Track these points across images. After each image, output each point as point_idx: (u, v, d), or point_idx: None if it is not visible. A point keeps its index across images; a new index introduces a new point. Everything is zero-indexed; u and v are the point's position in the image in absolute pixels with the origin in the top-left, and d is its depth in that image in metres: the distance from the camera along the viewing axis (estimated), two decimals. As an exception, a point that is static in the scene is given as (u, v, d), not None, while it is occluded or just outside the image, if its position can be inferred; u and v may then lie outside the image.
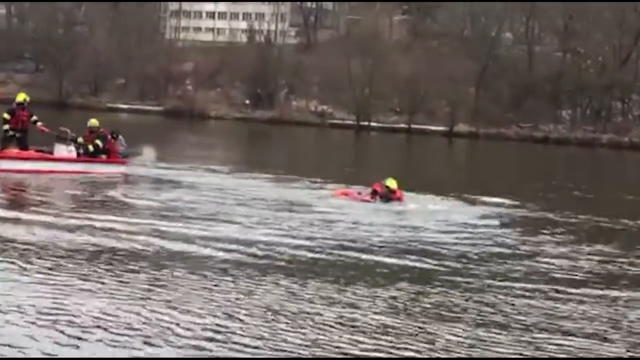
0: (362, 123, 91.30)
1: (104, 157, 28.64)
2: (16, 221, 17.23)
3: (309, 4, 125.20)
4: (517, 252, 17.60)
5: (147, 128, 70.79)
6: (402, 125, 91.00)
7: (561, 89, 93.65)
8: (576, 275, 15.36)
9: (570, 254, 17.55)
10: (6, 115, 27.23)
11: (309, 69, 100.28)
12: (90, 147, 28.38)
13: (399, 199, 23.45)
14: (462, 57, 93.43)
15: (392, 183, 23.46)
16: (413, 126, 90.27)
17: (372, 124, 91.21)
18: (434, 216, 22.29)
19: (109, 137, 29.06)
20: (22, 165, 26.23)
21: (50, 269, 13.04)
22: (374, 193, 23.52)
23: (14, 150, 27.02)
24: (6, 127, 27.01)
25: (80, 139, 28.31)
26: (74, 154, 27.87)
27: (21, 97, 27.86)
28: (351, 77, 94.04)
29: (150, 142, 42.78)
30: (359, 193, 24.35)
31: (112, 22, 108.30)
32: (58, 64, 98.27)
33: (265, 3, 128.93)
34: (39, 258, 13.76)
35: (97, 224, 17.28)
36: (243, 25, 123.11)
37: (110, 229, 16.76)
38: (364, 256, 15.92)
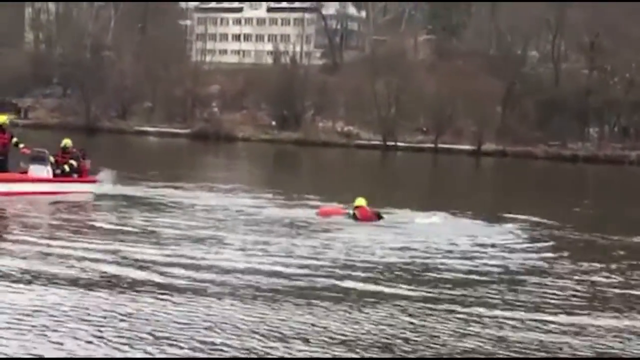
0: (388, 143, 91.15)
1: (75, 176, 28.91)
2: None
3: (333, 25, 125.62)
4: (537, 271, 17.37)
5: (173, 151, 71.24)
6: (429, 145, 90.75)
7: (589, 106, 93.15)
8: (588, 300, 14.85)
9: (591, 275, 17.22)
10: None
11: (334, 90, 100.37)
12: (66, 167, 28.66)
13: (364, 218, 23.42)
14: (488, 76, 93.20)
15: (359, 202, 23.70)
16: (440, 145, 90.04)
17: (399, 143, 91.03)
18: (459, 234, 22.20)
19: (80, 156, 29.50)
20: (4, 188, 25.99)
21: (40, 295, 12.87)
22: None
23: (11, 174, 26.99)
24: None
25: (51, 159, 28.36)
26: (50, 175, 27.97)
27: (1, 119, 27.04)
28: (377, 97, 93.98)
29: (174, 164, 43.00)
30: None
31: (138, 46, 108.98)
32: (86, 89, 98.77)
33: (290, 25, 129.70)
34: (28, 282, 13.65)
35: (123, 252, 17.00)
36: (269, 47, 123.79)
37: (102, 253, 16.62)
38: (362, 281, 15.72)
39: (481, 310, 13.35)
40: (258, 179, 44.08)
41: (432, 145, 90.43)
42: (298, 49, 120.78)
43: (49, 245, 17.08)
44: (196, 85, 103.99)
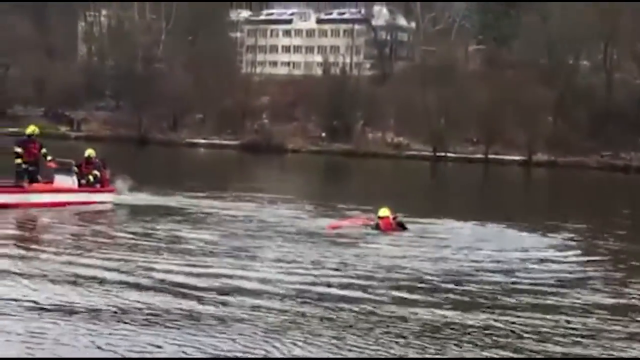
0: (438, 154, 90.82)
1: (97, 186, 29.15)
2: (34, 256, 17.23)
3: (383, 35, 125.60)
4: (584, 282, 17.19)
5: (222, 162, 71.57)
6: (479, 156, 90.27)
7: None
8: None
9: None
10: (19, 149, 26.44)
11: (384, 101, 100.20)
12: (91, 178, 28.92)
13: (386, 229, 23.34)
14: (539, 86, 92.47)
15: (383, 212, 23.66)
16: (490, 156, 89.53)
17: (449, 154, 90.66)
18: (507, 245, 22.11)
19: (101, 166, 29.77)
20: (41, 199, 26.26)
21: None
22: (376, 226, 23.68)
23: (39, 185, 27.13)
24: (19, 161, 26.29)
25: (75, 169, 28.62)
26: (75, 185, 28.22)
27: (30, 129, 27.26)
28: (427, 108, 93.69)
29: (220, 175, 43.09)
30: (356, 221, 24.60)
31: (189, 58, 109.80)
32: (137, 101, 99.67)
33: (339, 36, 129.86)
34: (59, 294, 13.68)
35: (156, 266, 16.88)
36: (318, 58, 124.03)
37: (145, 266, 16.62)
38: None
39: (517, 320, 13.34)
40: (302, 190, 43.94)
41: (482, 156, 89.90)
42: (348, 60, 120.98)
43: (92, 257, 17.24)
44: (246, 96, 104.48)
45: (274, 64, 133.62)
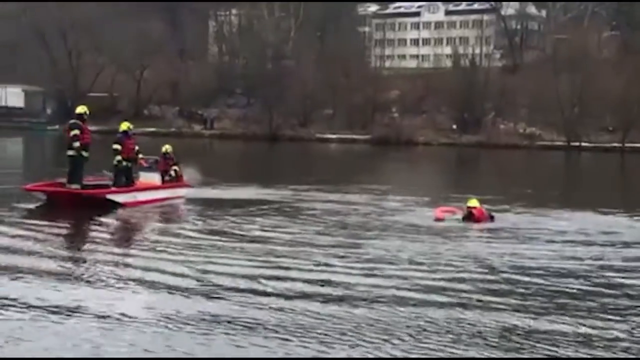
0: (572, 143, 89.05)
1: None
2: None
3: (513, 25, 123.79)
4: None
5: (350, 157, 71.69)
6: (615, 145, 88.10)
7: None
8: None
9: None
10: (117, 146, 25.53)
11: (515, 91, 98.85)
12: (172, 173, 28.89)
13: (478, 220, 22.78)
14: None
15: (473, 203, 23.26)
16: (627, 145, 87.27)
17: (583, 144, 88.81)
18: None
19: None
20: (145, 197, 25.94)
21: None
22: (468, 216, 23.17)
23: (143, 182, 27.03)
24: (119, 158, 25.43)
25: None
26: (160, 182, 27.93)
27: (124, 125, 26.15)
28: (560, 97, 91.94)
29: (345, 169, 42.89)
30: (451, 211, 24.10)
31: (318, 54, 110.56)
32: (268, 98, 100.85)
33: (468, 27, 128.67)
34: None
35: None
36: (448, 50, 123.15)
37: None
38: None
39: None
40: (425, 182, 43.47)
41: (619, 145, 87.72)
42: (477, 51, 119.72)
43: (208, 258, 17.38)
44: (376, 91, 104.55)
45: (403, 57, 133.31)
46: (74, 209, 22.97)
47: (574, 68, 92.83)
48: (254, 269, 15.01)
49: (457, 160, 73.42)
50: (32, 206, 23.59)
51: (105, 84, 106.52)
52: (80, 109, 24.68)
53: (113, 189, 25.21)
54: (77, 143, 24.13)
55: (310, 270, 15.11)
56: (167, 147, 29.38)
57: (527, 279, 14.90)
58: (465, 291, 13.63)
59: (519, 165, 67.44)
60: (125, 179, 25.55)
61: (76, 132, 24.22)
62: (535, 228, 22.25)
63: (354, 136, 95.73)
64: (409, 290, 13.64)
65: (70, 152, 24.30)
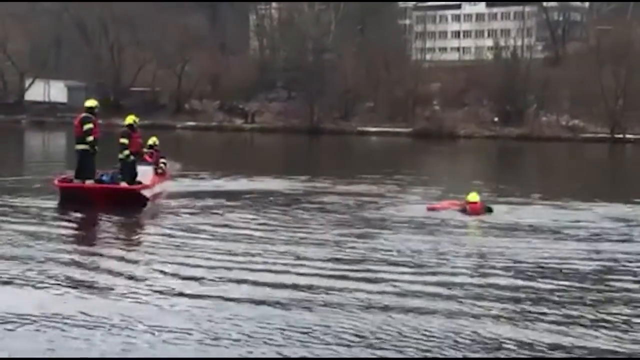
0: (616, 136, 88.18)
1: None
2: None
3: (555, 16, 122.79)
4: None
5: (393, 150, 71.44)
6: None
7: None
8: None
9: None
10: (125, 140, 24.44)
11: (558, 83, 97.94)
12: (162, 166, 28.48)
13: (475, 213, 22.67)
14: None
15: (473, 197, 23.27)
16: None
17: (628, 136, 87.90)
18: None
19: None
20: (153, 192, 25.34)
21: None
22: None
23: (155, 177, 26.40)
24: (127, 152, 24.36)
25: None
26: (153, 176, 26.70)
27: (130, 119, 25.14)
28: (603, 89, 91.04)
29: (388, 162, 42.71)
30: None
31: (359, 47, 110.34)
32: (309, 91, 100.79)
33: (510, 19, 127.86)
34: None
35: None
36: (489, 42, 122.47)
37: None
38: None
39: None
40: (454, 175, 43.01)
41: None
42: (519, 43, 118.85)
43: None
44: (417, 84, 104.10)
45: (444, 49, 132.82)
46: (107, 206, 22.35)
47: (617, 59, 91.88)
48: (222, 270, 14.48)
49: (496, 153, 72.86)
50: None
51: (146, 78, 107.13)
52: (91, 102, 24.35)
53: (143, 184, 24.63)
54: (91, 137, 23.61)
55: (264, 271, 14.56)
56: (154, 140, 28.70)
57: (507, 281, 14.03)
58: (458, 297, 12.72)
59: (559, 158, 66.77)
60: (131, 173, 24.49)
61: (90, 126, 23.61)
62: (539, 223, 21.50)
63: (395, 129, 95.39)
64: (382, 293, 12.89)
65: (83, 147, 23.69)
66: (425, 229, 20.12)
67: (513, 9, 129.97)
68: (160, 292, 12.62)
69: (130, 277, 13.71)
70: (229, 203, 24.55)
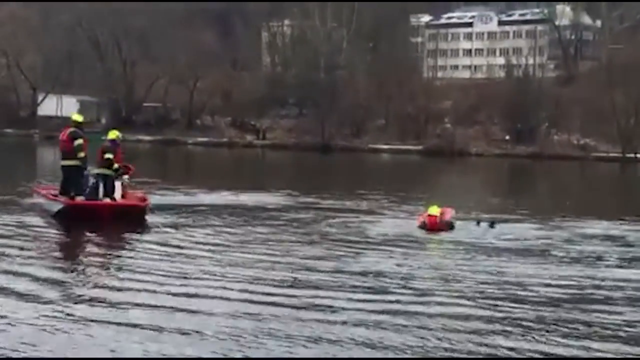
0: (628, 155, 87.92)
1: None
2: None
3: (567, 35, 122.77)
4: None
5: (403, 167, 71.33)
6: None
7: None
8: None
9: None
10: (110, 155, 23.97)
11: (569, 102, 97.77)
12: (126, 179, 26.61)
13: (433, 228, 22.29)
14: None
15: (432, 210, 22.70)
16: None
17: (639, 155, 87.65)
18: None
19: None
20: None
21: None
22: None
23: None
24: (116, 166, 23.97)
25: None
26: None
27: (113, 134, 24.58)
28: (615, 108, 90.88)
29: (395, 180, 42.44)
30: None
31: (371, 64, 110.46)
32: (320, 108, 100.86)
33: (522, 38, 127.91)
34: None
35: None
36: (500, 60, 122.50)
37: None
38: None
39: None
40: (452, 193, 42.68)
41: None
42: (531, 61, 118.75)
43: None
44: (428, 101, 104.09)
45: (456, 67, 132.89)
46: (109, 222, 22.29)
47: (629, 78, 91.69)
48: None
49: (505, 171, 72.66)
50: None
51: (158, 94, 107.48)
52: (79, 117, 24.29)
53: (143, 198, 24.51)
54: (82, 153, 23.54)
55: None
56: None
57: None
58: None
59: (569, 177, 66.48)
60: (112, 189, 23.96)
61: (81, 141, 23.51)
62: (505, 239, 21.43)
63: (407, 147, 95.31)
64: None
65: (73, 162, 23.54)
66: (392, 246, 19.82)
67: (525, 27, 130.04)
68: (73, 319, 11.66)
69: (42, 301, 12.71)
70: (194, 218, 24.26)
